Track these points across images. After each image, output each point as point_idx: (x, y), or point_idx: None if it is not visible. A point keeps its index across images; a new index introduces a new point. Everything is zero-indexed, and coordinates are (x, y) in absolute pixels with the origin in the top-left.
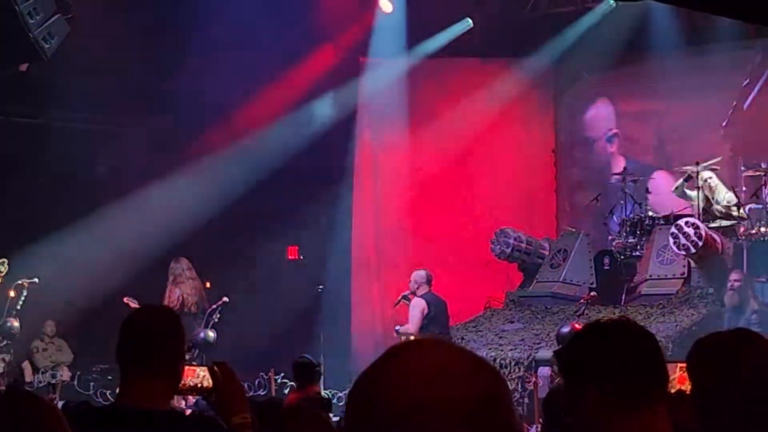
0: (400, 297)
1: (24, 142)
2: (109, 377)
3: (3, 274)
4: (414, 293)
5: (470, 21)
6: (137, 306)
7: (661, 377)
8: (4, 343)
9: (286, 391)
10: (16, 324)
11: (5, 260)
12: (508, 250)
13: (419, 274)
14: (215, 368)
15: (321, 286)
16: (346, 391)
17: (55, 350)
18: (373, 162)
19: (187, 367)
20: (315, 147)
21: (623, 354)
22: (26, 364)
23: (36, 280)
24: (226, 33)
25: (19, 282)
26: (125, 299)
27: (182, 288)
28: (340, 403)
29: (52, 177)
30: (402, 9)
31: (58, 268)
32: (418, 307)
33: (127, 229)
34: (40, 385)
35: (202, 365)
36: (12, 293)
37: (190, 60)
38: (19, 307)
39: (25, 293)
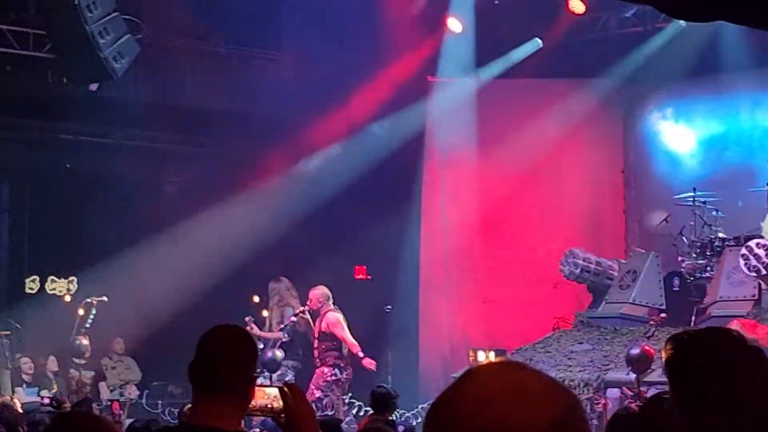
0: (296, 312)
1: (93, 161)
2: (176, 396)
3: (72, 292)
4: (317, 311)
5: (539, 41)
6: (252, 327)
7: None
8: (75, 361)
9: (353, 412)
10: (86, 342)
11: (74, 278)
12: (577, 271)
13: (323, 293)
14: (285, 389)
15: (389, 306)
16: (414, 411)
17: (123, 368)
18: (441, 182)
19: (256, 388)
20: (383, 167)
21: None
22: (102, 384)
23: (105, 298)
24: (294, 55)
25: (88, 300)
26: (247, 319)
27: (295, 307)
28: (410, 423)
29: (122, 196)
30: (471, 29)
31: (127, 286)
32: (340, 319)
33: (196, 248)
34: (107, 403)
35: (272, 386)
36: (81, 311)
37: (260, 81)
38: (88, 325)
39: (94, 311)
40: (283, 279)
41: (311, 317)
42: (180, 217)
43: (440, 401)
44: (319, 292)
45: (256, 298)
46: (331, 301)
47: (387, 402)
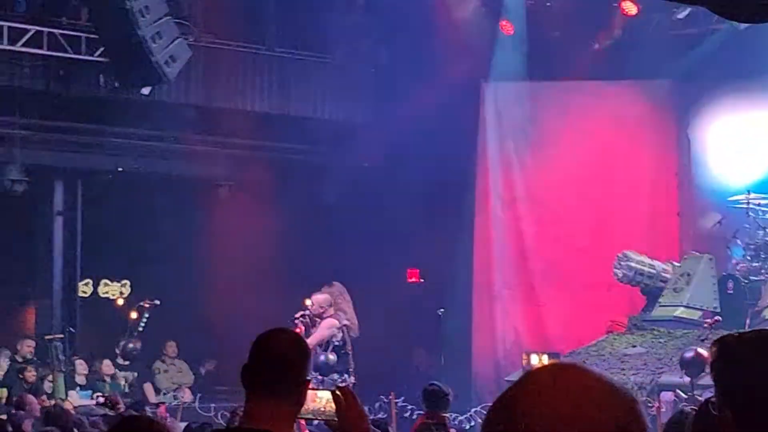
0: (298, 316)
1: (146, 164)
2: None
3: (125, 295)
4: (318, 316)
5: (593, 43)
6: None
7: None
8: (127, 363)
9: (406, 415)
10: (138, 345)
11: (128, 282)
12: (631, 274)
13: (326, 298)
14: (337, 392)
15: (442, 309)
16: (467, 415)
17: (176, 371)
18: (495, 185)
19: (309, 391)
20: (437, 170)
21: None
22: (148, 386)
23: (158, 302)
24: (346, 58)
25: (141, 303)
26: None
27: (348, 312)
28: (463, 426)
29: (174, 199)
30: (523, 31)
31: (179, 289)
32: (331, 325)
33: (248, 251)
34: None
35: (324, 389)
36: (134, 315)
37: (312, 83)
38: (140, 329)
39: (146, 315)
40: (336, 284)
41: (311, 322)
42: (232, 219)
43: (500, 402)
44: (322, 297)
45: (309, 302)
46: (332, 309)
47: (439, 399)
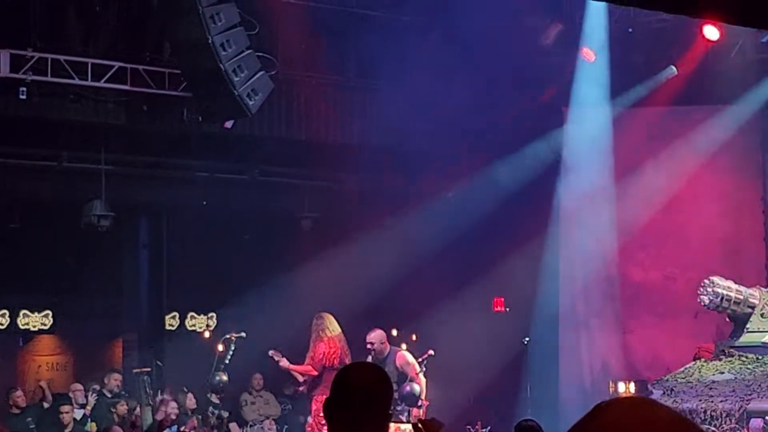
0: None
1: (230, 197)
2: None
3: (212, 328)
4: (380, 353)
5: (674, 68)
6: (281, 360)
7: None
8: (218, 399)
9: None
10: (225, 378)
11: (214, 314)
12: (717, 300)
13: (380, 334)
14: (420, 426)
15: (527, 338)
16: None
17: (263, 404)
18: (578, 212)
19: (392, 423)
20: (520, 198)
21: None
22: (234, 425)
23: (243, 334)
24: (427, 88)
25: (227, 336)
26: (271, 353)
27: (339, 341)
28: None
29: (259, 231)
30: (605, 57)
31: (265, 322)
32: (410, 356)
33: (332, 283)
34: None
35: (408, 422)
36: (220, 347)
37: (392, 114)
38: (227, 361)
39: (233, 347)
40: (322, 315)
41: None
42: (316, 252)
43: None
44: (375, 334)
45: (395, 332)
46: (387, 343)
47: None
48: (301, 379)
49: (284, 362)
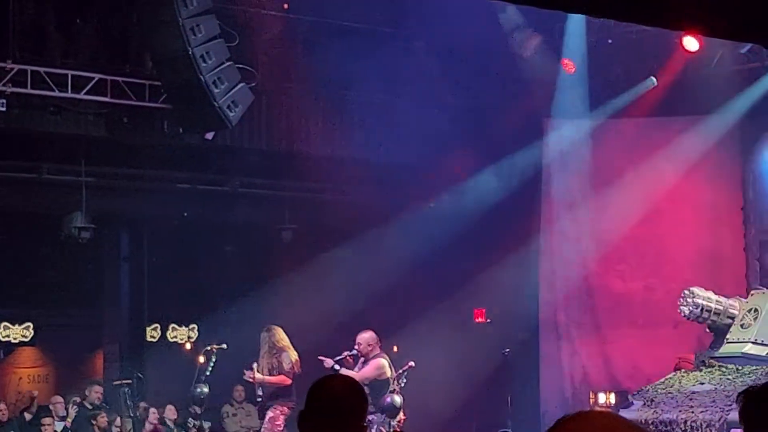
0: (343, 356)
1: (210, 209)
2: None
3: (193, 340)
4: (365, 355)
5: (654, 80)
6: (254, 373)
7: None
8: (196, 409)
9: None
10: (206, 389)
11: (195, 326)
12: (697, 311)
13: (370, 336)
14: None
15: (507, 350)
16: None
17: (244, 415)
18: (558, 223)
19: None
20: (501, 209)
21: None
22: None
23: (224, 345)
24: (404, 97)
25: (208, 348)
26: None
27: (290, 354)
28: None
29: (239, 243)
30: (584, 69)
31: (246, 333)
32: (379, 366)
33: (312, 295)
34: None
35: None
36: (201, 359)
37: (373, 125)
38: (208, 373)
39: (214, 359)
40: (273, 328)
41: (354, 361)
42: (296, 263)
43: None
44: (367, 335)
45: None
46: (378, 347)
47: None
48: (260, 391)
49: (258, 376)
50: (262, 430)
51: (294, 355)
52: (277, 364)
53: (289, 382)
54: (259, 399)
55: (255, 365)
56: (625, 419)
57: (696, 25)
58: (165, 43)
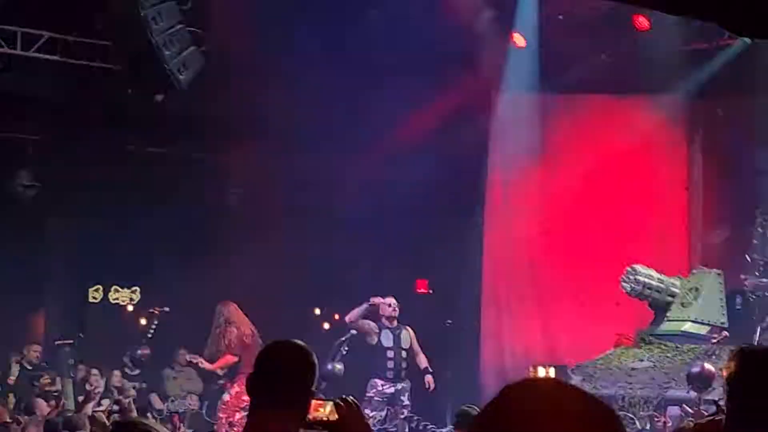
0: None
1: (158, 171)
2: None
3: (135, 302)
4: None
5: (604, 57)
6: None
7: None
8: (136, 371)
9: (412, 425)
10: (147, 352)
11: (137, 288)
12: (639, 288)
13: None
14: (341, 402)
15: (449, 321)
16: None
17: (185, 379)
18: (504, 196)
19: (313, 400)
20: (446, 180)
21: None
22: (154, 396)
23: (167, 309)
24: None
25: (151, 310)
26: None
27: (239, 329)
28: None
29: (185, 206)
30: (535, 44)
31: (189, 297)
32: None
33: (257, 260)
34: (167, 414)
35: (329, 399)
36: (143, 321)
37: (323, 92)
38: (150, 336)
39: (156, 322)
40: (227, 302)
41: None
42: (242, 228)
43: (480, 418)
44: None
45: (318, 311)
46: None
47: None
48: (221, 373)
49: (206, 365)
50: (224, 402)
51: (246, 329)
52: (224, 345)
53: (234, 359)
54: (221, 381)
55: (192, 357)
56: (571, 385)
57: (648, 1)
58: (116, 4)
